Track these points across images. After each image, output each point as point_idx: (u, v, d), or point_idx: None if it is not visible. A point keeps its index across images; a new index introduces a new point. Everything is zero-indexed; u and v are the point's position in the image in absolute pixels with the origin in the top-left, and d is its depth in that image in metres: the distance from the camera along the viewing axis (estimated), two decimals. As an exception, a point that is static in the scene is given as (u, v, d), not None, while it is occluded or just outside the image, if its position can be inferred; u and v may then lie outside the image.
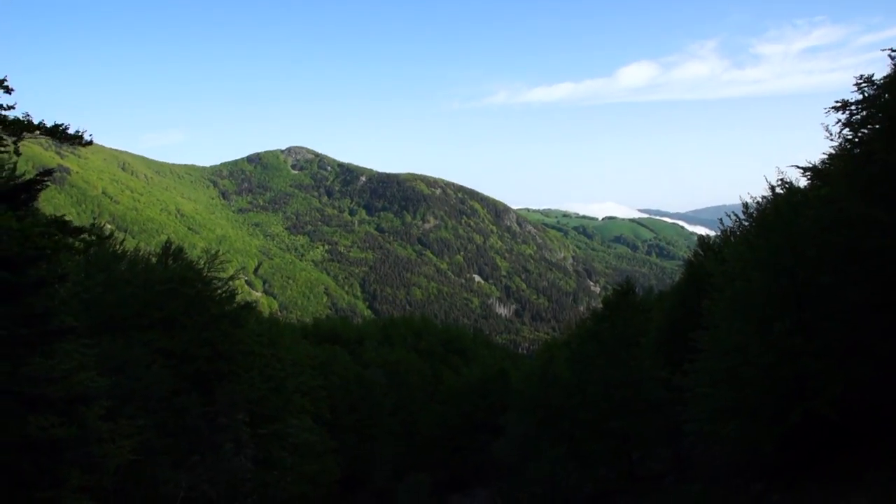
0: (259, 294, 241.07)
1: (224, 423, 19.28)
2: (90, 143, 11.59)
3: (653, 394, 23.54)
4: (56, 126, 11.16)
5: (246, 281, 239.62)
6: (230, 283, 26.77)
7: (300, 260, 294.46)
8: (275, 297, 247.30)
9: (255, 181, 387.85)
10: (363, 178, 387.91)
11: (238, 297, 28.59)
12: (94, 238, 15.76)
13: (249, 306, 28.32)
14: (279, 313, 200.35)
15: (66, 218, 12.00)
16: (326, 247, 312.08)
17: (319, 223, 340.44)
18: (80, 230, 11.93)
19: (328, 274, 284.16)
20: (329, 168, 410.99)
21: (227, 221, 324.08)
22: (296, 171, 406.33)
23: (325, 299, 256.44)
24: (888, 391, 12.89)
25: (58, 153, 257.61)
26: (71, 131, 11.26)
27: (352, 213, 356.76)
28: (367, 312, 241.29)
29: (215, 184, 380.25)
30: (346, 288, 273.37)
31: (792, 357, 14.48)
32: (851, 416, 13.56)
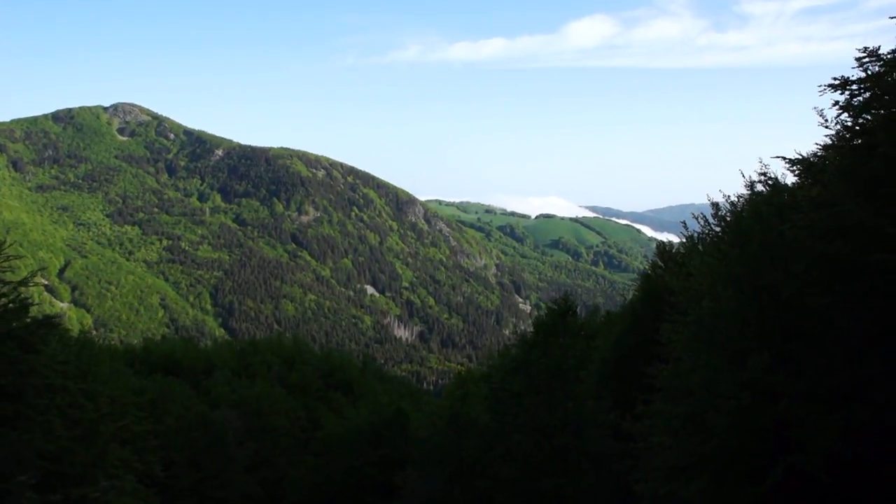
0: (65, 305, 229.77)
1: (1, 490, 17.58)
2: None
3: (596, 444, 23.86)
4: None
5: (46, 287, 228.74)
6: (21, 289, 24.74)
7: (127, 260, 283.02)
8: (88, 310, 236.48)
9: (63, 148, 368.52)
10: (219, 152, 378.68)
11: (33, 310, 26.53)
12: None
13: (50, 322, 26.29)
14: (94, 332, 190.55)
15: None
16: (165, 242, 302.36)
17: (156, 210, 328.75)
18: None
19: (166, 279, 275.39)
20: (172, 136, 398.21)
21: (20, 203, 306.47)
22: (124, 138, 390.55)
23: (160, 314, 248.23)
24: (892, 443, 13.44)
25: None
26: None
27: (202, 197, 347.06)
28: (220, 332, 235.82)
29: (2, 148, 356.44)
30: (192, 299, 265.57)
31: (772, 399, 14.86)
32: (846, 476, 14.02)
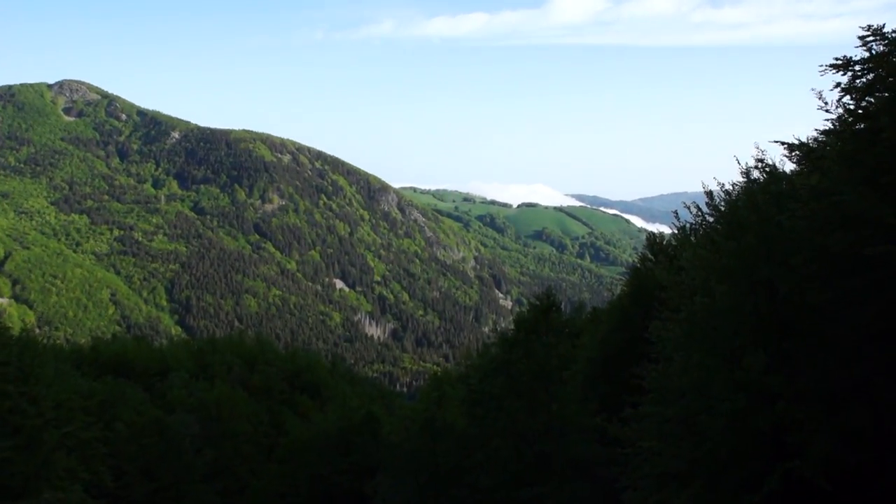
0: (5, 301, 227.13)
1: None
2: None
3: (581, 450, 23.97)
4: None
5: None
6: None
7: (74, 251, 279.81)
8: (31, 307, 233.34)
9: (3, 129, 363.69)
10: (175, 135, 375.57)
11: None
12: None
13: (-14, 319, 26.05)
14: (37, 330, 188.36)
15: None
16: (116, 233, 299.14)
17: (106, 197, 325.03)
18: None
19: (117, 273, 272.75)
20: (124, 117, 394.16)
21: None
22: (71, 118, 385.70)
23: (111, 310, 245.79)
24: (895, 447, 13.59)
25: None
26: None
27: (157, 184, 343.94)
28: (176, 330, 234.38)
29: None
30: (145, 294, 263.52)
31: (769, 401, 14.99)
32: (846, 482, 14.17)
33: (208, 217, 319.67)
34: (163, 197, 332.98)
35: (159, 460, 40.96)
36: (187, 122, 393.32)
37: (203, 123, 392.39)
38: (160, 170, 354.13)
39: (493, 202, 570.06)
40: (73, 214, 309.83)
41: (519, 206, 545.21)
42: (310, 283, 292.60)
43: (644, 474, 17.87)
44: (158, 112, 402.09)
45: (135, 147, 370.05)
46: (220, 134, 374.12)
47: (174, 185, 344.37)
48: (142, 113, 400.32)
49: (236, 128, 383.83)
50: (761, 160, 18.43)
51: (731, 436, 15.55)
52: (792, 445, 14.61)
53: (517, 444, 24.57)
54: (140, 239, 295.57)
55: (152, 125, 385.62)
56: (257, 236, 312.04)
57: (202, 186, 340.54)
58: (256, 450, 51.66)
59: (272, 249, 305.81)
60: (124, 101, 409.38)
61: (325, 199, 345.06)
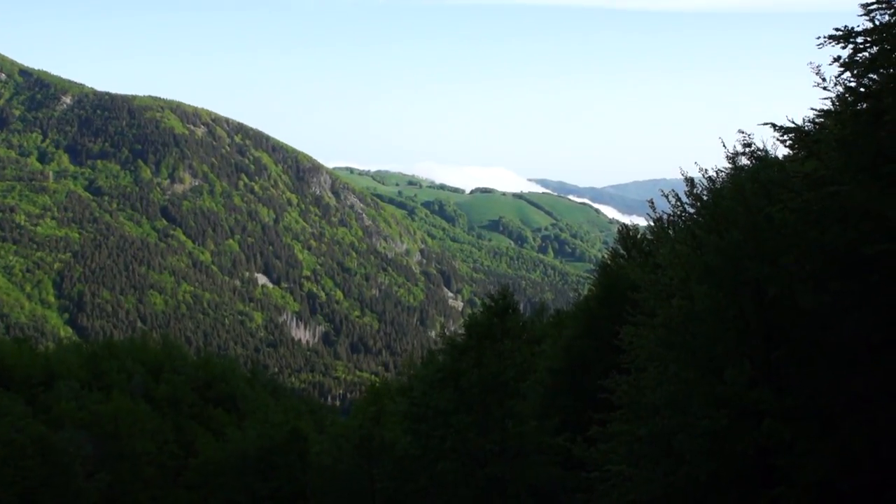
0: None
1: None
2: None
3: (540, 474, 24.11)
4: None
5: None
6: None
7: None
8: None
9: None
10: (67, 100, 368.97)
11: None
12: None
13: None
14: None
15: None
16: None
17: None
18: None
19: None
20: (3, 77, 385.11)
21: None
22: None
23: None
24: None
25: None
26: None
27: (44, 158, 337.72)
28: (66, 331, 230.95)
29: None
30: (29, 289, 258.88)
31: (754, 419, 15.21)
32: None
33: (106, 198, 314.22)
34: (51, 174, 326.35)
35: (43, 486, 40.31)
36: (81, 86, 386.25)
37: (101, 87, 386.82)
38: (48, 141, 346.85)
39: (442, 187, 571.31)
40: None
41: (472, 192, 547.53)
42: (227, 278, 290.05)
43: (613, 502, 18.01)
44: (46, 72, 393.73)
45: (16, 113, 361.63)
46: (120, 100, 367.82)
47: (65, 159, 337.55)
48: (25, 73, 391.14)
49: (140, 93, 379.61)
50: (749, 144, 18.67)
51: (711, 458, 15.73)
52: (780, 470, 14.82)
53: (467, 467, 24.58)
54: (23, 223, 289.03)
55: (38, 88, 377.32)
56: (165, 222, 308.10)
57: (99, 162, 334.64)
58: (161, 473, 51.18)
59: (182, 238, 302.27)
60: (4, 59, 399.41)
61: (245, 179, 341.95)
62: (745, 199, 16.83)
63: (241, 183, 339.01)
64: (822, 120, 16.52)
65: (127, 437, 50.70)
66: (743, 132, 18.52)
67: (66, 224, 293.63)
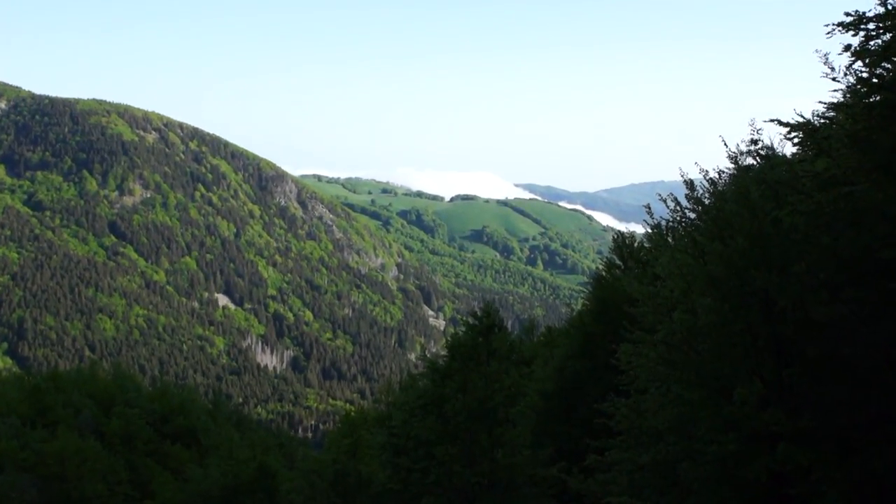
0: None
1: None
2: None
3: (533, 508, 23.99)
4: None
5: None
6: None
7: None
8: None
9: None
10: (2, 105, 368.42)
11: None
12: None
13: None
14: None
15: None
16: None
17: None
18: None
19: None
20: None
21: None
22: None
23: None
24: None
25: None
26: None
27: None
28: (5, 362, 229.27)
29: None
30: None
31: (766, 443, 15.15)
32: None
33: (48, 214, 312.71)
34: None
35: (-17, 534, 40.10)
36: (17, 89, 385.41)
37: (39, 91, 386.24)
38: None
39: (419, 194, 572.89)
40: None
41: (453, 200, 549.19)
42: (184, 300, 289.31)
43: (613, 537, 17.95)
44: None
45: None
46: (62, 105, 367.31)
47: (0, 170, 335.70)
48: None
49: (84, 97, 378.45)
50: (755, 142, 18.68)
51: (719, 487, 15.71)
52: (795, 498, 14.78)
53: (453, 502, 24.50)
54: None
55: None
56: (114, 238, 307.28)
57: (39, 173, 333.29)
58: (114, 517, 50.38)
59: (134, 256, 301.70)
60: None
61: (202, 189, 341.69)
62: (750, 202, 16.84)
63: (197, 194, 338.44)
64: (832, 114, 16.47)
65: (75, 479, 50.43)
66: (752, 125, 18.48)
67: (3, 243, 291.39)
